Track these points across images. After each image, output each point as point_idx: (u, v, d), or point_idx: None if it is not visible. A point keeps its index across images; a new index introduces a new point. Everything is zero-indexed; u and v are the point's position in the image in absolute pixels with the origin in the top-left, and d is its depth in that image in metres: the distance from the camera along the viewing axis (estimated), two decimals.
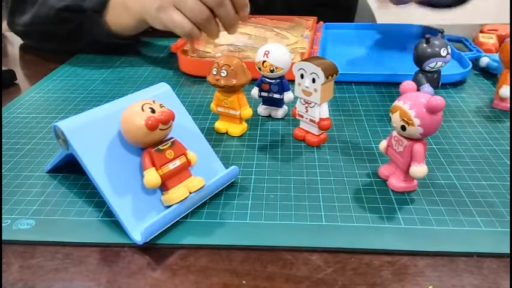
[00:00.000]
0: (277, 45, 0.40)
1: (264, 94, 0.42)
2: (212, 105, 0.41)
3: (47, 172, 0.35)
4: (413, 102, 0.29)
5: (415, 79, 0.43)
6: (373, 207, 0.30)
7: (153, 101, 0.29)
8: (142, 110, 0.28)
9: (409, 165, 0.31)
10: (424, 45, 0.41)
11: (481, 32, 0.63)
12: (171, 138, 0.30)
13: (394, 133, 0.32)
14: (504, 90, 0.43)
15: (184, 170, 0.30)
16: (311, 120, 0.37)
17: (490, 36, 0.61)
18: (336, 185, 0.33)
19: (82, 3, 0.59)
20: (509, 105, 0.44)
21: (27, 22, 0.64)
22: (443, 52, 0.41)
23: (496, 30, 0.62)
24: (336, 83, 0.51)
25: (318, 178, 0.34)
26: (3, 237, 0.28)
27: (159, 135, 0.28)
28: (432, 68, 0.42)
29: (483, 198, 0.31)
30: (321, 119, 0.37)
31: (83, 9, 0.59)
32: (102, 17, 0.59)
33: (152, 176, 0.28)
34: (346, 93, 0.49)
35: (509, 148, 0.37)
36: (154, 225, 0.27)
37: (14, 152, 0.38)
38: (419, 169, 0.30)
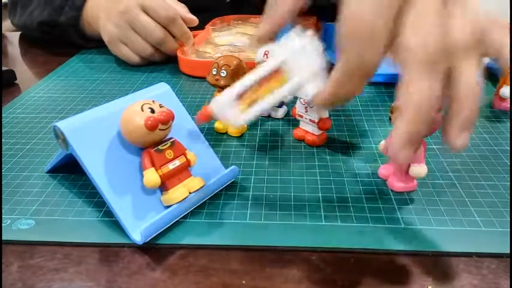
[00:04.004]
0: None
1: None
2: None
3: (46, 172, 0.35)
4: None
5: None
6: (372, 207, 0.30)
7: (153, 101, 0.29)
8: (142, 110, 0.28)
9: (409, 165, 0.31)
10: None
11: None
12: (171, 138, 0.30)
13: None
14: (504, 90, 0.43)
15: (184, 170, 0.30)
16: (311, 120, 0.37)
17: None
18: (335, 185, 0.33)
19: (58, 18, 0.63)
20: (509, 105, 0.44)
21: (20, 25, 0.72)
22: None
23: None
24: None
25: (318, 178, 0.34)
26: (3, 237, 0.28)
27: (159, 135, 0.28)
28: None
29: (483, 198, 0.31)
30: (320, 119, 0.37)
31: (58, 23, 0.63)
32: (78, 28, 0.63)
33: (152, 176, 0.28)
34: None
35: (509, 148, 0.37)
36: (154, 225, 0.27)
37: (14, 152, 0.38)
38: (419, 169, 0.30)
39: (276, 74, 0.26)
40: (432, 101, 0.23)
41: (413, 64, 0.23)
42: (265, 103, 0.27)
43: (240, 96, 0.27)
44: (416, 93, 0.23)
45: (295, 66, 0.26)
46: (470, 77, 0.23)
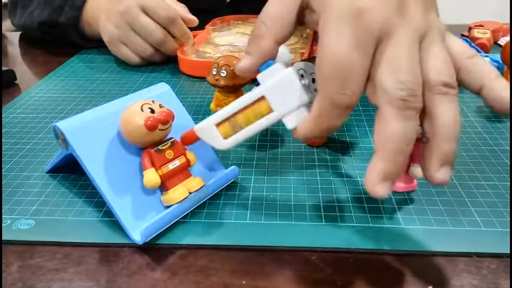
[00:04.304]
0: None
1: None
2: (212, 105, 0.41)
3: (46, 172, 0.35)
4: None
5: None
6: (372, 207, 0.30)
7: (153, 101, 0.29)
8: (142, 110, 0.28)
9: (409, 166, 0.30)
10: None
11: (470, 28, 0.63)
12: (171, 138, 0.30)
13: None
14: None
15: (184, 170, 0.30)
16: None
17: (484, 31, 0.61)
18: (335, 185, 0.33)
19: (58, 19, 0.62)
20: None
21: (20, 25, 0.72)
22: None
23: (482, 26, 0.63)
24: None
25: (318, 178, 0.34)
26: (3, 237, 0.28)
27: (159, 135, 0.28)
28: None
29: (483, 198, 0.31)
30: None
31: (58, 24, 0.63)
32: (78, 28, 0.63)
33: (152, 176, 0.28)
34: None
35: (509, 148, 0.37)
36: (154, 225, 0.27)
37: (14, 152, 0.38)
38: (419, 169, 0.30)
39: (259, 103, 0.27)
40: (407, 141, 0.23)
41: (388, 104, 0.23)
42: (249, 131, 0.27)
43: (222, 122, 0.28)
44: (391, 134, 0.23)
45: (279, 97, 0.27)
46: (447, 116, 0.23)
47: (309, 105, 0.26)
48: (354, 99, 0.24)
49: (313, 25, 0.28)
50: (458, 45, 0.26)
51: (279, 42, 0.28)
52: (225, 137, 0.28)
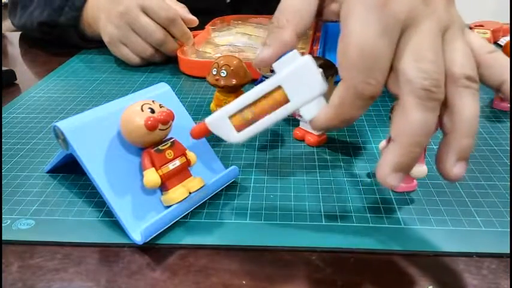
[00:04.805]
0: None
1: None
2: (212, 105, 0.41)
3: (46, 172, 0.35)
4: None
5: None
6: (372, 207, 0.30)
7: (153, 101, 0.29)
8: (142, 110, 0.28)
9: None
10: None
11: (470, 28, 0.64)
12: (171, 138, 0.30)
13: None
14: None
15: (184, 170, 0.30)
16: None
17: (484, 31, 0.61)
18: (335, 185, 0.33)
19: (58, 19, 0.62)
20: (509, 105, 0.44)
21: (20, 26, 0.72)
22: None
23: (482, 26, 0.63)
24: (336, 83, 0.51)
25: (318, 178, 0.34)
26: (3, 237, 0.28)
27: (159, 135, 0.28)
28: None
29: (483, 198, 0.31)
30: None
31: (58, 24, 0.63)
32: (78, 29, 0.63)
33: (152, 176, 0.28)
34: None
35: (509, 148, 0.37)
36: (154, 225, 0.27)
37: (14, 152, 0.38)
38: (419, 169, 0.30)
39: (275, 93, 0.26)
40: (426, 132, 0.23)
41: (410, 94, 0.23)
42: (264, 123, 0.26)
43: (235, 114, 0.26)
44: (410, 124, 0.22)
45: (296, 86, 0.25)
46: (469, 110, 0.23)
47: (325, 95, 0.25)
48: (379, 89, 0.23)
49: (331, 15, 0.27)
50: (478, 41, 0.26)
51: (299, 34, 0.27)
52: (239, 130, 0.26)
